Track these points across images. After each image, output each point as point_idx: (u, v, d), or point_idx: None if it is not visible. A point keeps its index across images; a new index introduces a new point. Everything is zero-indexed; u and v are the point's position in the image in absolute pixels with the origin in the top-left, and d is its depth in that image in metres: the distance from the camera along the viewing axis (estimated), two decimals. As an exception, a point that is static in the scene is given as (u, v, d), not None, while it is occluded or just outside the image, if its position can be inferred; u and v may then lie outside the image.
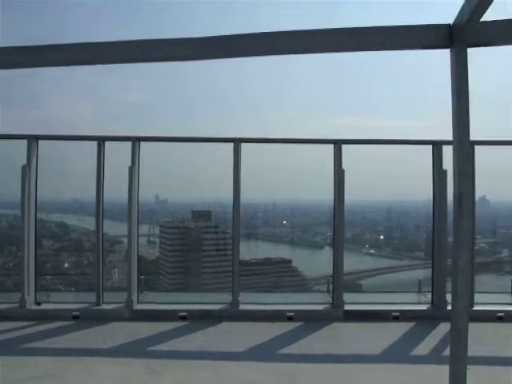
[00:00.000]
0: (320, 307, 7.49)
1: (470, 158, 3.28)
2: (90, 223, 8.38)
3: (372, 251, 14.03)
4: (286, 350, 6.00)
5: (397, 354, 5.92)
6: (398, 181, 9.78)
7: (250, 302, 7.64)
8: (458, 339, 3.42)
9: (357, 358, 5.78)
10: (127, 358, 5.64)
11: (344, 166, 7.58)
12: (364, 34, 3.65)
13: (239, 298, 7.36)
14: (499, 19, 3.60)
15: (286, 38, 3.68)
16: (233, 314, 7.27)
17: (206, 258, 11.20)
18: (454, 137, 3.37)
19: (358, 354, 5.87)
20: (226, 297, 7.56)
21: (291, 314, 7.17)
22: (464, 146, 3.30)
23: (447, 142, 6.84)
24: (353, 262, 13.43)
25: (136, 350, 5.95)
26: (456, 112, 3.38)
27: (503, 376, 5.14)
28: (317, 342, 6.31)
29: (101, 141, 7.47)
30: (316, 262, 12.69)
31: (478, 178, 8.72)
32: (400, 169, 9.81)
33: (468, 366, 5.21)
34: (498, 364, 5.53)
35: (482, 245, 13.64)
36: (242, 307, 7.37)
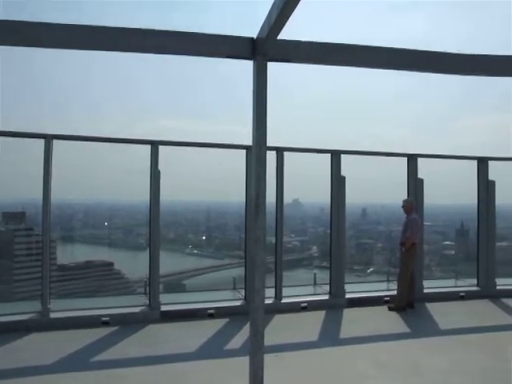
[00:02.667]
0: (137, 310, 7.38)
1: (265, 162, 3.55)
2: None
3: (195, 251, 14.29)
4: (99, 357, 5.76)
5: (211, 350, 6.10)
6: (217, 182, 10.14)
7: (65, 308, 7.20)
8: (255, 331, 3.68)
9: (172, 358, 5.79)
10: None
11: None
12: (172, 38, 3.73)
13: (49, 306, 6.89)
14: (296, 39, 3.98)
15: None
16: (42, 324, 6.76)
17: (19, 264, 10.32)
18: (252, 142, 3.63)
19: (173, 354, 5.89)
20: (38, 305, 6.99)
21: (106, 318, 6.94)
22: (261, 151, 3.57)
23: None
24: (177, 263, 13.55)
25: None
26: (255, 120, 3.64)
27: (304, 359, 5.70)
28: (132, 345, 6.19)
29: None
30: (138, 264, 12.47)
31: (292, 182, 9.44)
32: (218, 171, 10.17)
33: (275, 354, 5.73)
34: (301, 349, 6.11)
35: (295, 243, 14.83)
36: (54, 315, 6.91)
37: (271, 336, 6.36)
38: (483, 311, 8.14)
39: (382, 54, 4.20)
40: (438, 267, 13.80)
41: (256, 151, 3.55)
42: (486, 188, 9.01)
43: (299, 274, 13.05)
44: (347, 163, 8.64)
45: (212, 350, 6.11)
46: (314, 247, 14.50)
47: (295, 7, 3.19)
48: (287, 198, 12.30)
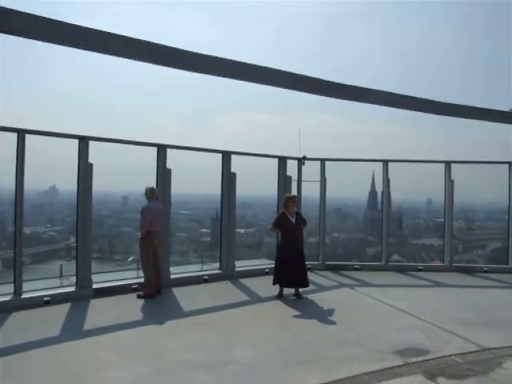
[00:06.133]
0: None
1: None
2: None
3: None
4: None
5: None
6: None
7: None
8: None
9: None
10: None
11: None
12: None
13: None
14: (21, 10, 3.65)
15: None
16: None
17: None
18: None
19: None
20: None
21: None
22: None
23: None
24: None
25: None
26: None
27: (44, 357, 5.40)
28: None
29: None
30: None
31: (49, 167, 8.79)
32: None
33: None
34: (41, 346, 5.73)
35: (51, 233, 13.95)
36: None
37: (8, 336, 5.89)
38: (222, 292, 8.89)
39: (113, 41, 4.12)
40: (195, 253, 14.57)
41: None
42: (228, 179, 9.85)
43: (54, 266, 12.34)
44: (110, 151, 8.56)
45: None
46: (72, 237, 13.88)
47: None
48: (43, 185, 11.55)
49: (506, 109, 5.40)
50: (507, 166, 11.37)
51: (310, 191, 11.67)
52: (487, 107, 5.35)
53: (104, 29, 3.76)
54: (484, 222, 14.97)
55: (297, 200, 8.79)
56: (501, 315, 7.22)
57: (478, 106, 5.29)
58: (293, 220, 8.41)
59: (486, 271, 11.04)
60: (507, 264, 11.26)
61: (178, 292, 8.57)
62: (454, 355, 5.55)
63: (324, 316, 7.31)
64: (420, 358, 5.43)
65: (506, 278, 10.14)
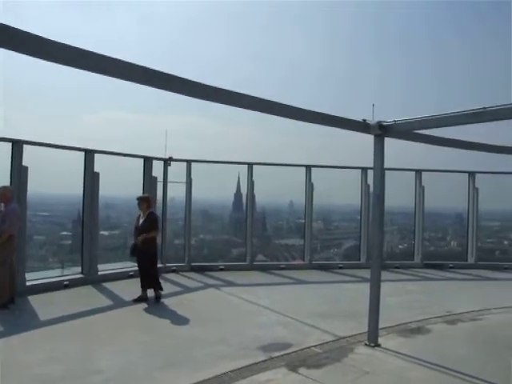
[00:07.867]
0: None
1: None
2: None
3: None
4: None
5: None
6: None
7: None
8: None
9: None
10: None
11: None
12: None
13: None
14: None
15: None
16: None
17: None
18: None
19: None
20: None
21: None
22: None
23: None
24: None
25: None
26: None
27: None
28: None
29: None
30: None
31: None
32: None
33: None
34: None
35: None
36: None
37: None
38: (83, 297, 8.45)
39: None
40: (55, 257, 13.68)
41: None
42: (91, 179, 9.39)
43: None
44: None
45: None
46: None
47: None
48: None
49: (360, 119, 5.90)
50: (360, 170, 12.45)
51: (176, 192, 11.62)
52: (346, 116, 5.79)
53: None
54: (340, 223, 16.11)
55: (150, 200, 8.80)
56: (353, 307, 7.84)
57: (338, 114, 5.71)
58: (140, 221, 8.35)
59: (340, 267, 12.00)
60: (359, 260, 12.37)
61: (34, 300, 7.93)
62: (314, 346, 5.95)
63: (189, 317, 7.32)
64: (283, 352, 5.71)
65: (358, 272, 11.05)
